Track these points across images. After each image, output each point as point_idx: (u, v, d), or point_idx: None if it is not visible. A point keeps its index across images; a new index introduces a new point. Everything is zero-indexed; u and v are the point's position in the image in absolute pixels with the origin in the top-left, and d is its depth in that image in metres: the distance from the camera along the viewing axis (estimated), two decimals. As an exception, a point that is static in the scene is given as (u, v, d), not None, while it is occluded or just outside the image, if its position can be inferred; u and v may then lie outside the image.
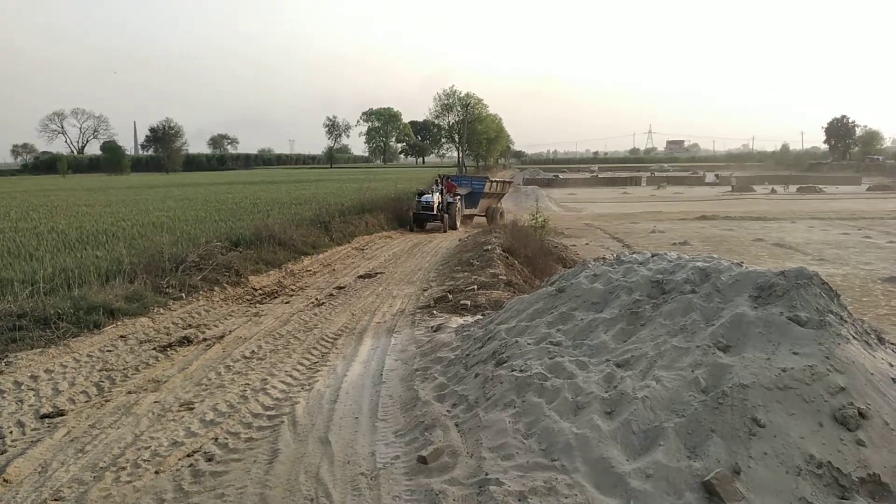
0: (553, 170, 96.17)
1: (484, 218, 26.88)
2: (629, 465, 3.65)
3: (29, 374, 6.19)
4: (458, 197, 24.67)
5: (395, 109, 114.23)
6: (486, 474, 3.73)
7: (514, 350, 5.17)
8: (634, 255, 6.19)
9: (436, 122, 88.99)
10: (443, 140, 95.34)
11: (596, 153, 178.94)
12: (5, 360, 6.46)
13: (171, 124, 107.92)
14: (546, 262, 14.56)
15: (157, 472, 4.23)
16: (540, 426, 4.09)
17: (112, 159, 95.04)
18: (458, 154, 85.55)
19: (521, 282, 11.47)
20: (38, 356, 6.66)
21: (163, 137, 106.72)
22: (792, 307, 4.37)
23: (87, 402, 5.62)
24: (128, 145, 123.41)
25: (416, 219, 22.48)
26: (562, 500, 3.45)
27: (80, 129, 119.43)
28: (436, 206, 22.62)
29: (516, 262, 13.26)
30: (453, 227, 23.01)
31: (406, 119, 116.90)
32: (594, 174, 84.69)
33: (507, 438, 4.04)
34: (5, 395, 5.68)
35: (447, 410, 4.81)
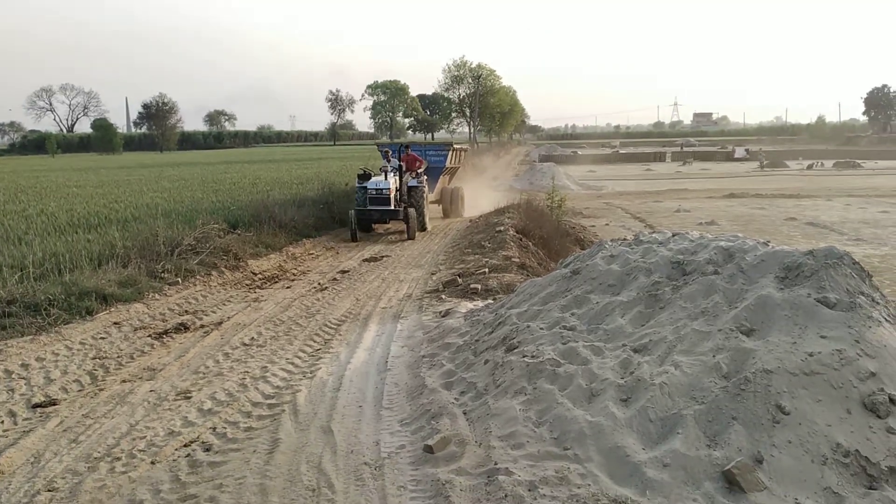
0: (571, 145, 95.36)
1: (437, 206, 20.02)
2: (645, 455, 3.70)
3: (20, 363, 6.31)
4: (424, 177, 17.36)
5: (402, 82, 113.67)
6: (496, 464, 3.79)
7: (526, 335, 5.21)
8: (654, 235, 6.20)
9: (445, 95, 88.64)
10: (453, 114, 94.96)
11: (617, 127, 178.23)
12: (-5, 347, 6.58)
13: (165, 100, 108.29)
14: (563, 243, 14.53)
15: (153, 463, 4.32)
16: (552, 414, 4.14)
17: (103, 137, 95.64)
18: (469, 129, 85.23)
19: (536, 264, 11.48)
20: (28, 344, 6.78)
21: (156, 114, 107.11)
22: (821, 288, 4.38)
23: (80, 391, 5.73)
24: (120, 123, 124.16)
25: (362, 220, 15.60)
26: (574, 489, 3.50)
27: (70, 105, 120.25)
28: (393, 194, 15.56)
29: (530, 243, 13.25)
30: (422, 228, 16.47)
31: (414, 92, 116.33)
32: (615, 150, 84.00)
33: (518, 427, 4.10)
34: (-4, 383, 5.80)
35: (455, 398, 4.87)
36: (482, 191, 26.62)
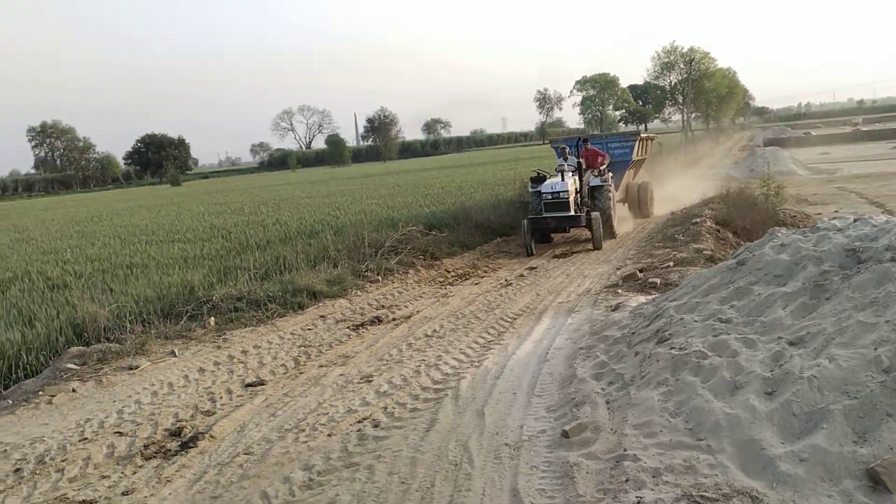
0: (804, 126, 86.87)
1: (621, 206, 16.81)
2: (782, 448, 3.56)
3: (241, 349, 7.47)
4: (609, 175, 14.68)
5: (612, 74, 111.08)
6: (625, 450, 3.88)
7: (679, 327, 5.13)
8: (834, 222, 5.74)
9: (655, 83, 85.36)
10: (666, 103, 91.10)
11: (861, 102, 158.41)
12: (223, 336, 7.87)
13: (386, 113, 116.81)
14: (772, 233, 13.53)
15: (329, 435, 4.98)
16: (690, 405, 4.10)
17: (335, 152, 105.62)
18: (683, 117, 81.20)
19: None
20: (249, 333, 7.98)
21: (379, 127, 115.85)
22: None
23: (284, 373, 6.66)
24: (349, 137, 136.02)
25: (538, 229, 13.41)
26: (699, 479, 3.49)
27: (307, 124, 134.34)
28: (572, 198, 13.27)
29: (730, 235, 12.54)
30: (610, 235, 14.01)
31: (624, 84, 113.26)
32: (856, 127, 75.00)
33: (654, 416, 4.13)
34: (220, 366, 6.96)
35: (601, 388, 4.96)
36: (692, 181, 25.28)
